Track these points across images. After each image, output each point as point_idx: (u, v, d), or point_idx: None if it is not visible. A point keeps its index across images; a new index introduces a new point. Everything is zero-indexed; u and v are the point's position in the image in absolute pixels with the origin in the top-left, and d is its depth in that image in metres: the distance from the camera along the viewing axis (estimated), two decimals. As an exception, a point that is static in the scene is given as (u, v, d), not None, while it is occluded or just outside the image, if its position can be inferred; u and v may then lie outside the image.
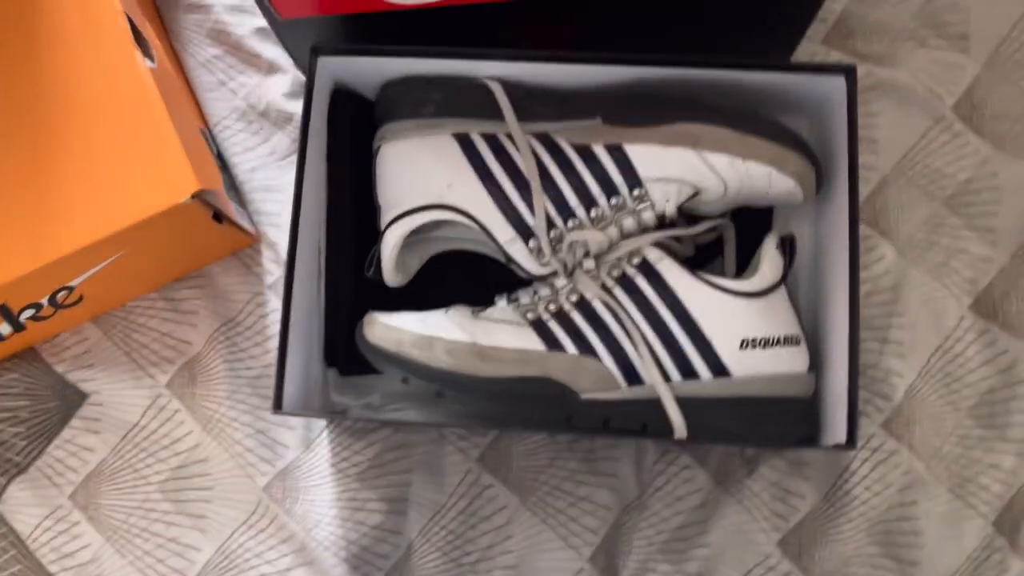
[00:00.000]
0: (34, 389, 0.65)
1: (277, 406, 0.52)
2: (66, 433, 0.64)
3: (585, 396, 0.54)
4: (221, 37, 0.69)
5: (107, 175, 0.56)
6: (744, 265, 0.61)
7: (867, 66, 0.65)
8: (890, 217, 0.64)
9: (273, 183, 0.67)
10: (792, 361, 0.55)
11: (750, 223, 0.61)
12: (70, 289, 0.59)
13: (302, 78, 0.69)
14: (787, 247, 0.56)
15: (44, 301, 0.59)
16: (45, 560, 0.62)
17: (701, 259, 0.61)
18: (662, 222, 0.57)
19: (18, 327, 0.61)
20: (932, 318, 0.62)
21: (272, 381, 0.64)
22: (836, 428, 0.54)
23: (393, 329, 0.55)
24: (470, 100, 0.57)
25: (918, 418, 0.61)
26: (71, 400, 0.64)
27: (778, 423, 0.54)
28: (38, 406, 0.64)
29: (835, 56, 0.67)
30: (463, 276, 0.62)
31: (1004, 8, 0.66)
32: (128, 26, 0.58)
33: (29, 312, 0.60)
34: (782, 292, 0.55)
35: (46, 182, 0.56)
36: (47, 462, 0.63)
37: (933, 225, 0.63)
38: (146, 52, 0.60)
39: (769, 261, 0.55)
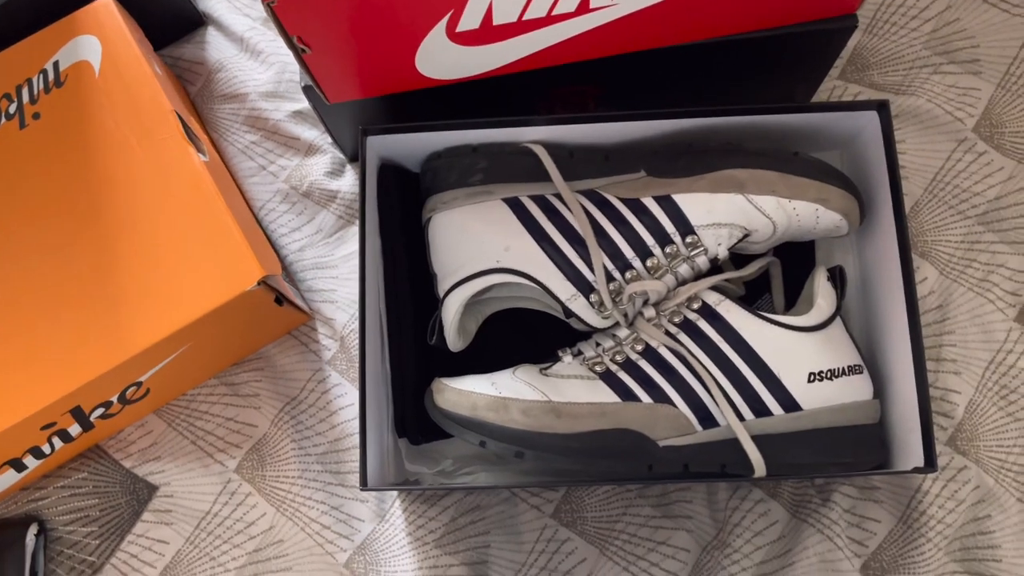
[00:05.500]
0: (103, 487, 0.65)
1: (363, 483, 0.53)
2: (139, 528, 0.64)
3: (663, 443, 0.54)
4: (258, 123, 0.71)
5: (174, 271, 0.57)
6: (791, 300, 0.63)
7: (886, 96, 0.68)
8: (927, 239, 0.66)
9: (323, 260, 0.68)
10: (858, 389, 0.56)
11: (793, 258, 0.63)
12: (139, 384, 0.60)
13: (341, 156, 0.70)
14: (838, 278, 0.58)
15: (114, 399, 0.60)
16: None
17: (749, 297, 0.63)
18: (715, 266, 0.59)
19: (88, 427, 0.61)
20: (981, 333, 0.64)
21: (341, 456, 0.65)
22: (908, 451, 0.55)
23: (465, 394, 0.56)
24: (516, 165, 0.59)
25: (980, 432, 0.62)
26: (141, 494, 0.65)
27: (851, 451, 0.56)
28: (108, 503, 0.65)
29: (853, 89, 0.69)
30: (518, 333, 0.63)
31: (1009, 32, 0.69)
32: (180, 124, 0.60)
33: (99, 411, 0.60)
34: (839, 323, 0.57)
35: (115, 285, 0.57)
36: (122, 559, 0.63)
37: (969, 243, 0.65)
38: (198, 147, 0.61)
39: (823, 294, 0.57)
